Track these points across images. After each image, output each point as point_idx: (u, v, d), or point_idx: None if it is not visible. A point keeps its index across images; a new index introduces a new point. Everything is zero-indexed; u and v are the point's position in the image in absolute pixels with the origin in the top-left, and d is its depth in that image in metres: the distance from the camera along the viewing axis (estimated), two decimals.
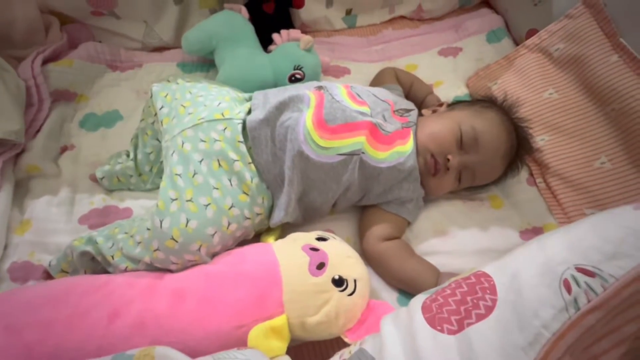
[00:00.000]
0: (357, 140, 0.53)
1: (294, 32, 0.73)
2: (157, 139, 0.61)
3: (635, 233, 0.26)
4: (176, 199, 0.47)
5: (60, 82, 0.69)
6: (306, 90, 0.56)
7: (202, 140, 0.51)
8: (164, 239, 0.45)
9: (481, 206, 0.64)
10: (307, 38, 0.70)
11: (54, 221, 0.58)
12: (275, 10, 0.77)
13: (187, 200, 0.47)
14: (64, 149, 0.66)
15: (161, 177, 0.61)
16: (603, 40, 0.65)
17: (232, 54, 0.69)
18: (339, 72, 0.82)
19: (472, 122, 0.57)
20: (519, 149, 0.60)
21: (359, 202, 0.59)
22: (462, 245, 0.59)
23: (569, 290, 0.24)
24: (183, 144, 0.51)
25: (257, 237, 0.56)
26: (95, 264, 0.51)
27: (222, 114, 0.53)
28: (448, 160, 0.56)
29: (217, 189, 0.49)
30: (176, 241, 0.45)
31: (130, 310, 0.40)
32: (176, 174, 0.49)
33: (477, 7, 0.95)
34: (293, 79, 0.70)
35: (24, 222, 0.57)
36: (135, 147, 0.62)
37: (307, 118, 0.53)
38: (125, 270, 0.48)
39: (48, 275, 0.52)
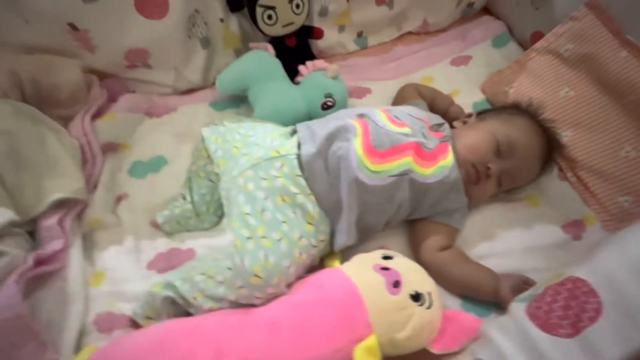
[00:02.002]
0: (405, 161, 0.57)
1: (319, 62, 0.77)
2: (210, 180, 0.65)
3: None
4: (251, 237, 0.50)
5: (106, 136, 0.73)
6: (349, 119, 0.60)
7: (263, 179, 0.55)
8: (248, 276, 0.48)
9: (520, 206, 0.68)
10: (334, 67, 0.74)
11: (125, 270, 0.60)
12: (297, 43, 0.81)
13: (261, 237, 0.50)
14: (119, 199, 0.69)
15: (217, 216, 0.66)
16: (610, 38, 0.70)
17: (266, 90, 0.73)
18: (361, 93, 0.87)
19: (505, 130, 0.62)
20: (550, 149, 0.64)
21: (409, 217, 0.63)
22: (509, 245, 0.63)
23: None
24: (246, 183, 0.55)
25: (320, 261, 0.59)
26: (176, 306, 0.53)
27: (277, 152, 0.57)
28: (488, 168, 0.60)
29: (285, 222, 0.52)
30: (259, 277, 0.48)
31: (233, 348, 0.43)
32: (246, 214, 0.53)
33: (479, 15, 1.01)
34: (325, 107, 0.74)
35: (97, 274, 0.60)
36: (190, 190, 0.65)
37: (357, 146, 0.56)
38: (210, 310, 0.51)
39: (134, 323, 0.54)
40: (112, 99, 0.77)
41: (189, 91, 0.85)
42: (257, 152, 0.58)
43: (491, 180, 0.61)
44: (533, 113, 0.67)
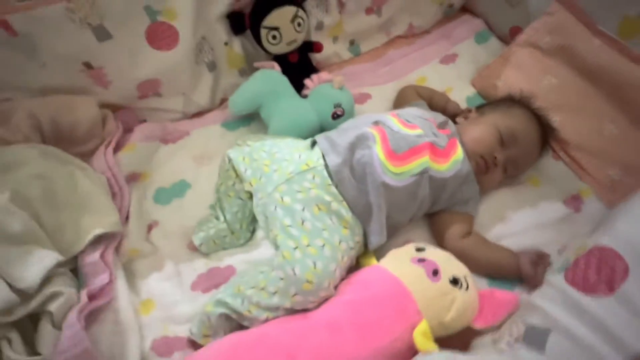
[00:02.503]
0: (423, 161, 0.62)
1: (324, 75, 0.81)
2: (240, 198, 0.68)
3: None
4: (297, 247, 0.54)
5: (128, 167, 0.75)
6: (366, 128, 0.65)
7: (298, 191, 0.59)
8: (300, 283, 0.52)
9: (524, 188, 0.75)
10: (339, 78, 0.79)
11: (170, 294, 0.63)
12: (299, 58, 0.85)
13: (306, 246, 0.54)
14: (150, 228, 0.71)
15: (250, 231, 0.70)
16: (583, 29, 0.78)
17: (278, 106, 0.77)
18: (362, 99, 0.92)
19: (505, 122, 0.68)
20: (545, 134, 0.71)
21: (429, 210, 0.68)
22: (521, 224, 0.70)
23: None
24: (282, 198, 0.59)
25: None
26: (231, 321, 0.56)
27: (307, 164, 0.61)
28: (495, 158, 0.67)
29: (324, 229, 0.57)
30: (311, 283, 0.52)
31: (302, 351, 0.46)
32: (287, 226, 0.56)
33: (459, 15, 1.08)
34: (335, 117, 0.78)
35: (145, 303, 0.62)
36: (222, 210, 0.68)
37: (378, 152, 0.61)
38: (266, 320, 0.54)
39: (191, 344, 0.57)
40: (126, 129, 0.79)
41: (199, 114, 0.88)
42: (287, 167, 0.61)
43: (498, 169, 0.68)
44: (526, 103, 0.74)
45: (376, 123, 0.66)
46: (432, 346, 0.45)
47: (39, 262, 0.53)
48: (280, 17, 0.75)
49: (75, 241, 0.60)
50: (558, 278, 0.41)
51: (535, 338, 0.36)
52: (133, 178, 0.75)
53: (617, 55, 0.74)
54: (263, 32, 0.77)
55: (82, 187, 0.64)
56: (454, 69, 0.98)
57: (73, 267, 0.61)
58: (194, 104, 0.85)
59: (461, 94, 0.92)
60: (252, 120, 0.86)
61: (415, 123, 0.67)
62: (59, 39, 0.61)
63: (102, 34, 0.64)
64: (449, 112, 0.82)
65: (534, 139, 0.69)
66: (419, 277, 0.52)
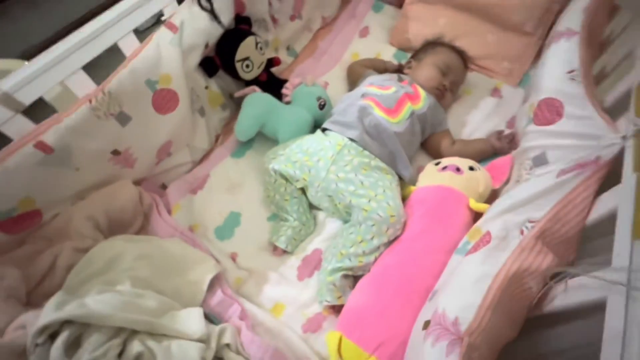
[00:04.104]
0: (408, 107, 0.85)
1: (295, 80, 0.97)
2: (295, 197, 0.82)
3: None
4: (370, 200, 0.72)
5: (183, 225, 0.81)
6: (360, 102, 0.84)
7: (345, 165, 0.76)
8: (388, 219, 0.70)
9: (465, 98, 1.04)
10: (309, 77, 0.96)
11: (288, 292, 0.75)
12: (267, 76, 0.99)
13: (375, 196, 0.73)
14: (233, 258, 0.80)
15: (313, 218, 0.84)
16: None
17: (278, 119, 0.90)
18: (324, 87, 1.10)
19: (438, 59, 0.95)
20: (462, 56, 1.00)
21: (422, 139, 0.92)
22: (476, 120, 0.98)
23: None
24: (337, 175, 0.75)
25: None
26: (348, 278, 0.73)
27: (339, 144, 0.78)
28: (444, 85, 0.93)
29: (377, 181, 0.75)
30: (394, 216, 0.71)
31: (417, 257, 0.66)
32: (353, 191, 0.74)
33: None
34: (321, 107, 0.95)
35: (274, 309, 0.73)
36: (287, 212, 0.81)
37: (379, 114, 0.82)
38: (375, 260, 0.72)
39: (331, 309, 0.71)
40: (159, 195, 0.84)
41: (205, 157, 0.96)
42: (326, 153, 0.78)
43: (448, 92, 0.95)
44: (441, 41, 1.01)
45: (364, 96, 0.86)
46: (483, 206, 0.69)
47: (195, 317, 0.61)
48: (246, 48, 0.88)
49: (196, 294, 0.68)
50: (530, 127, 0.68)
51: (540, 160, 0.63)
52: (191, 231, 0.82)
53: None
54: (238, 65, 0.88)
55: (172, 251, 0.70)
56: (371, 38, 1.22)
57: None
58: (198, 150, 0.93)
59: (389, 54, 1.17)
60: (253, 142, 0.98)
61: (386, 85, 0.89)
62: (90, 138, 0.65)
63: (124, 119, 0.69)
64: (391, 69, 1.07)
65: (459, 63, 0.97)
66: (450, 177, 0.76)
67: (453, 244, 0.66)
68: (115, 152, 0.72)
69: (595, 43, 0.74)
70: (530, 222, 0.52)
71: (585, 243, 0.51)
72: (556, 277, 0.46)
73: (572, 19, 0.72)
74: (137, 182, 0.82)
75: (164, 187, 0.90)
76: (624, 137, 0.48)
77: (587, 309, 0.44)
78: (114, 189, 0.73)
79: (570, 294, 0.45)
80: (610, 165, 0.49)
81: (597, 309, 0.41)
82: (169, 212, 0.82)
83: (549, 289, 0.48)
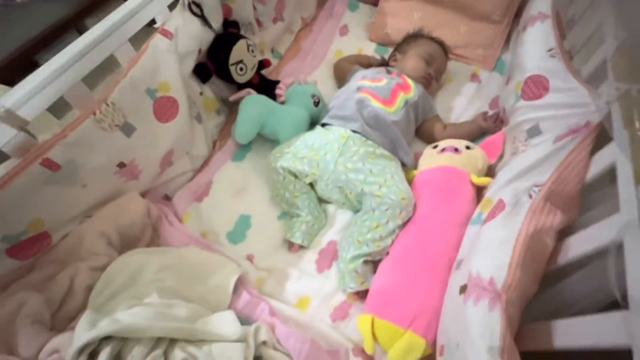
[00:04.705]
0: (402, 96, 0.89)
1: (287, 81, 0.99)
2: (304, 192, 0.83)
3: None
4: (381, 186, 0.75)
5: (196, 231, 0.80)
6: (356, 95, 0.87)
7: (352, 156, 0.79)
8: (400, 202, 0.73)
9: (447, 86, 1.10)
10: (302, 77, 0.98)
11: (311, 285, 0.76)
12: (259, 78, 1.00)
13: (384, 181, 0.76)
14: (251, 260, 0.80)
15: (323, 211, 0.86)
16: None
17: (277, 119, 0.91)
18: (315, 84, 1.12)
19: (421, 50, 1.00)
20: (442, 46, 1.06)
21: (417, 124, 0.97)
22: (462, 105, 1.05)
23: None
24: (346, 166, 0.78)
25: None
26: (369, 263, 0.75)
27: (343, 137, 0.81)
28: (429, 74, 0.98)
29: (384, 167, 0.79)
30: (405, 198, 0.74)
31: (433, 233, 0.69)
32: (364, 179, 0.76)
33: None
34: (316, 104, 0.98)
35: (299, 303, 0.74)
36: (298, 208, 0.82)
37: (376, 105, 0.85)
38: (392, 243, 0.74)
39: (357, 295, 0.73)
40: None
41: (205, 163, 0.94)
42: (332, 147, 0.80)
43: (434, 80, 1.00)
44: (420, 34, 1.07)
45: (359, 89, 0.89)
46: (486, 180, 0.74)
47: (229, 319, 0.61)
48: (239, 51, 0.88)
49: (222, 298, 0.68)
50: (519, 103, 0.74)
51: (534, 131, 0.68)
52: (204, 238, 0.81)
53: None
54: (232, 68, 0.89)
55: (192, 259, 0.69)
56: (352, 35, 1.27)
57: None
58: (198, 157, 0.92)
59: (370, 49, 1.22)
60: (251, 144, 0.98)
61: (378, 77, 0.93)
62: (96, 151, 0.63)
63: (129, 129, 0.68)
64: (375, 63, 1.11)
65: (440, 52, 1.03)
66: (450, 158, 0.81)
67: (464, 218, 0.70)
68: (121, 165, 0.70)
69: (562, 24, 0.82)
70: (537, 186, 0.57)
71: (584, 198, 0.57)
72: (569, 231, 0.51)
73: (543, 3, 0.79)
74: (142, 195, 0.80)
75: (166, 198, 0.88)
76: (608, 102, 0.54)
77: (589, 259, 0.49)
78: (123, 203, 0.71)
79: (582, 243, 0.50)
80: (599, 128, 0.56)
81: (599, 257, 0.46)
82: (180, 221, 0.80)
83: (563, 244, 0.53)
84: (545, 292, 0.56)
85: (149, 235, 0.77)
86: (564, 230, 0.55)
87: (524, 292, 0.49)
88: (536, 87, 0.69)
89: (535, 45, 0.75)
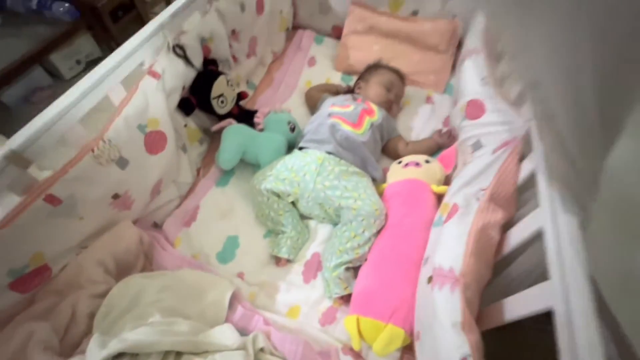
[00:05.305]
0: (368, 120, 1.02)
1: (264, 110, 1.09)
2: (287, 211, 0.91)
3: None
4: (356, 199, 0.85)
5: (187, 254, 0.85)
6: (328, 120, 0.99)
7: (329, 175, 0.89)
8: (373, 213, 0.84)
9: (407, 108, 1.25)
10: (278, 106, 1.08)
11: (299, 295, 0.83)
12: (238, 109, 1.09)
13: (359, 195, 0.86)
14: (241, 277, 0.86)
15: (306, 226, 0.94)
16: (373, 14, 1.32)
17: (257, 146, 1.00)
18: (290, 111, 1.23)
19: (382, 78, 1.14)
20: (399, 74, 1.22)
21: (382, 144, 1.09)
22: (420, 124, 1.19)
23: None
24: (324, 184, 0.87)
25: None
26: (349, 269, 0.84)
27: (319, 159, 0.91)
28: (390, 99, 1.12)
29: (357, 183, 0.89)
30: (378, 209, 0.84)
31: (405, 236, 0.80)
32: (340, 195, 0.86)
33: (295, 32, 1.50)
34: (292, 130, 1.08)
35: (289, 312, 0.80)
36: (283, 226, 0.90)
37: (347, 128, 0.97)
38: (370, 249, 0.84)
39: (343, 299, 0.81)
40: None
41: (190, 190, 1.00)
42: (309, 168, 0.90)
43: (394, 103, 1.14)
44: (379, 64, 1.22)
45: (330, 115, 1.01)
46: (443, 188, 0.87)
47: (228, 330, 0.66)
48: (220, 86, 0.97)
49: (218, 313, 0.73)
50: (464, 122, 0.88)
51: (477, 145, 0.82)
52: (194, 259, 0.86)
53: (396, 20, 1.31)
54: (214, 102, 0.97)
55: (187, 279, 0.74)
56: (319, 66, 1.40)
57: None
58: (183, 185, 0.98)
59: (336, 78, 1.36)
60: (234, 170, 1.05)
61: (346, 104, 1.05)
62: (93, 185, 0.68)
63: (123, 163, 0.73)
64: (342, 91, 1.24)
65: (398, 79, 1.18)
66: (413, 171, 0.93)
67: (428, 222, 0.82)
68: (116, 196, 0.74)
69: (494, 55, 0.99)
70: (482, 190, 0.70)
71: (519, 197, 0.70)
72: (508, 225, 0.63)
73: (477, 39, 0.96)
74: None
75: (155, 225, 0.92)
76: (528, 120, 0.69)
77: (524, 246, 0.61)
78: (118, 232, 0.75)
79: (518, 234, 0.62)
80: (524, 140, 0.70)
81: (531, 243, 0.58)
82: (172, 246, 0.85)
83: (505, 236, 0.65)
84: (498, 278, 0.67)
85: (142, 262, 0.81)
86: (506, 225, 0.67)
87: (478, 277, 0.60)
88: (475, 109, 0.84)
89: (472, 74, 0.90)
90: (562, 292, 0.45)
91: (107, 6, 1.82)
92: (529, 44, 0.39)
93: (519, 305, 0.53)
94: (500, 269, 0.66)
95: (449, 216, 0.70)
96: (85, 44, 1.88)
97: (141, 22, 2.10)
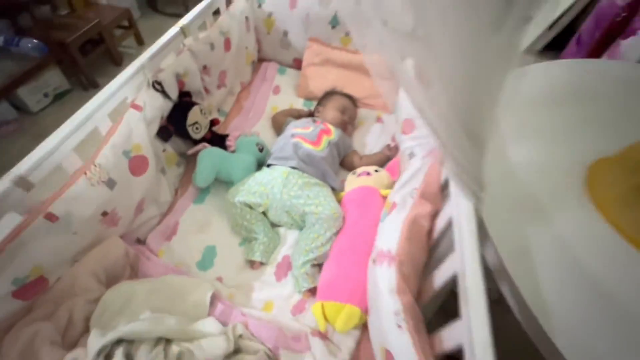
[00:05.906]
0: (325, 139, 1.19)
1: (235, 134, 1.23)
2: (259, 220, 1.04)
3: None
4: (317, 205, 1.00)
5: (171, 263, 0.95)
6: (292, 140, 1.15)
7: (294, 186, 1.04)
8: (333, 216, 0.99)
9: (360, 128, 1.44)
10: (247, 130, 1.23)
11: (272, 292, 0.95)
12: (211, 134, 1.22)
13: (320, 202, 1.01)
14: (220, 280, 0.96)
15: (276, 232, 1.08)
16: (328, 48, 1.53)
17: (230, 166, 1.13)
18: (257, 135, 1.38)
19: (337, 103, 1.33)
20: (352, 99, 1.41)
21: (340, 158, 1.26)
22: (373, 141, 1.38)
23: None
24: (290, 194, 1.02)
25: None
26: (315, 266, 0.97)
27: (285, 173, 1.06)
28: (345, 121, 1.31)
29: (318, 191, 1.04)
30: (336, 212, 1.00)
31: (361, 234, 0.95)
32: (304, 202, 1.01)
33: (260, 64, 1.68)
34: (260, 150, 1.23)
35: (264, 307, 0.92)
36: (256, 233, 1.03)
37: (307, 147, 1.13)
38: (330, 248, 0.98)
39: (309, 291, 0.94)
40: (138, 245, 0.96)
41: (169, 208, 1.11)
42: (276, 181, 1.04)
43: (349, 124, 1.33)
44: (334, 91, 1.41)
45: (293, 136, 1.17)
46: (389, 192, 1.04)
47: (211, 321, 0.77)
48: (194, 115, 1.11)
49: (201, 311, 0.83)
50: (402, 137, 1.07)
51: (412, 155, 1.01)
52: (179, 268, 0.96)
53: (347, 53, 1.52)
54: (189, 129, 1.10)
55: (172, 283, 0.85)
56: (284, 93, 1.58)
57: None
58: (163, 203, 1.09)
59: (299, 104, 1.54)
60: (209, 188, 1.17)
61: (306, 126, 1.22)
62: (86, 203, 0.78)
63: (112, 184, 0.84)
64: (304, 115, 1.42)
65: (351, 103, 1.37)
66: (365, 179, 1.10)
67: (378, 220, 0.98)
68: (104, 214, 0.84)
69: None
70: (415, 189, 0.87)
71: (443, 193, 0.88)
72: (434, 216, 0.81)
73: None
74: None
75: (138, 241, 1.01)
76: None
77: (447, 227, 0.78)
78: (107, 246, 0.85)
79: (440, 222, 0.80)
80: None
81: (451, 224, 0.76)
82: (157, 256, 0.95)
83: (434, 224, 0.82)
84: (432, 259, 0.84)
85: (129, 273, 0.90)
86: (435, 215, 0.84)
87: (412, 257, 0.75)
88: (408, 126, 1.04)
89: (405, 98, 1.11)
90: (461, 259, 0.62)
91: (76, 42, 1.91)
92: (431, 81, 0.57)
93: (439, 276, 0.69)
94: (433, 250, 0.83)
95: (389, 212, 0.86)
96: (53, 77, 1.91)
97: (110, 55, 2.21)
